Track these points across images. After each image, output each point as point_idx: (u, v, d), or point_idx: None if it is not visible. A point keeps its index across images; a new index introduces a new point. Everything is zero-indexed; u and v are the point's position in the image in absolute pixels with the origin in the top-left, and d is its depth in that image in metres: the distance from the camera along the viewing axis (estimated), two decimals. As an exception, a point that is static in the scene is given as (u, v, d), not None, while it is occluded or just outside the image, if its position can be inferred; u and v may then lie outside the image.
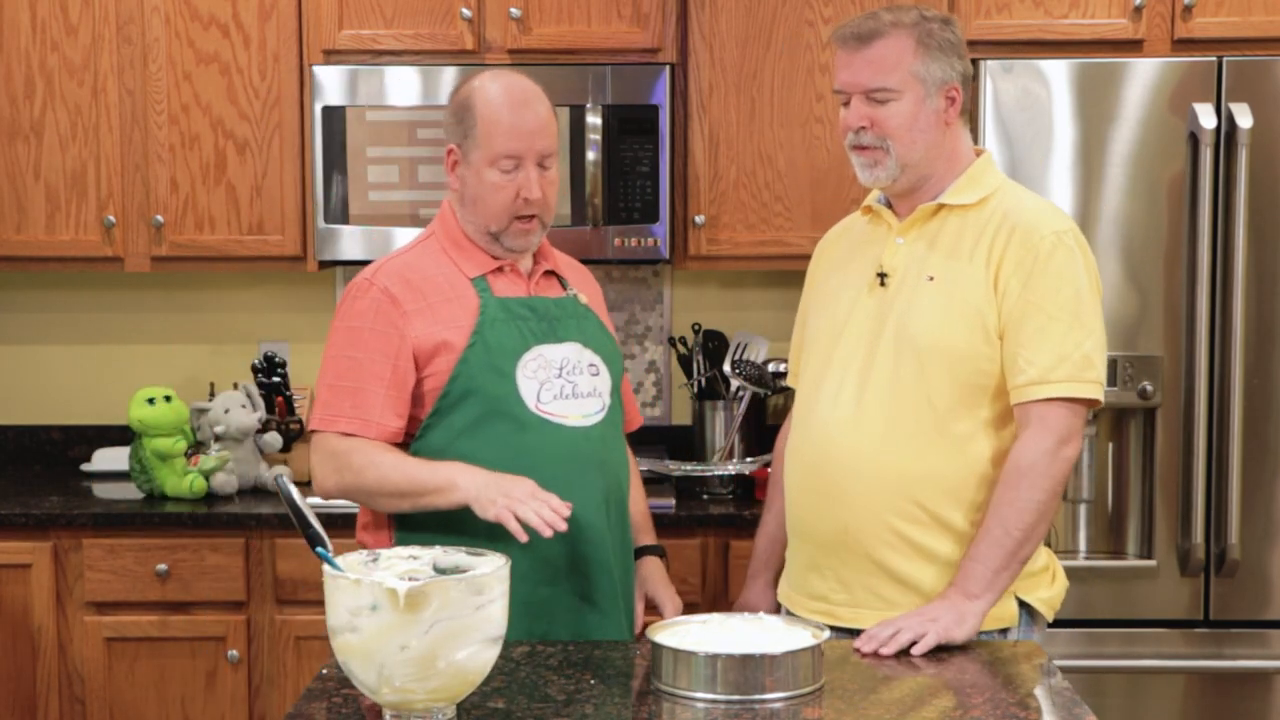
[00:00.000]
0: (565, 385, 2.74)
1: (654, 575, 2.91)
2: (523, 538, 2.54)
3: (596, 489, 2.73)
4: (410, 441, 2.74)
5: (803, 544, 2.76)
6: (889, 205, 2.78)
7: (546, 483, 2.62)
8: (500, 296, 2.75)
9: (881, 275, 2.70)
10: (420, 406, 2.73)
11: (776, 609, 2.86)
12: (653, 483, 3.84)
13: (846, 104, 2.70)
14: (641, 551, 2.92)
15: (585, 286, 2.92)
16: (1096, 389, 2.61)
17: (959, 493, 2.63)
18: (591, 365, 2.79)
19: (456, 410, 2.70)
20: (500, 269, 2.78)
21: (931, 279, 2.65)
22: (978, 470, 2.63)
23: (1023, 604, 2.67)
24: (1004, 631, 2.65)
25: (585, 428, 2.74)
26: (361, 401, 2.69)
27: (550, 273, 2.86)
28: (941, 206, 2.70)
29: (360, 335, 2.72)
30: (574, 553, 2.70)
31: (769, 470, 3.03)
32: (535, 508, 2.54)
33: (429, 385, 2.72)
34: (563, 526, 2.54)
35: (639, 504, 2.97)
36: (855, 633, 2.58)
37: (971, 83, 2.73)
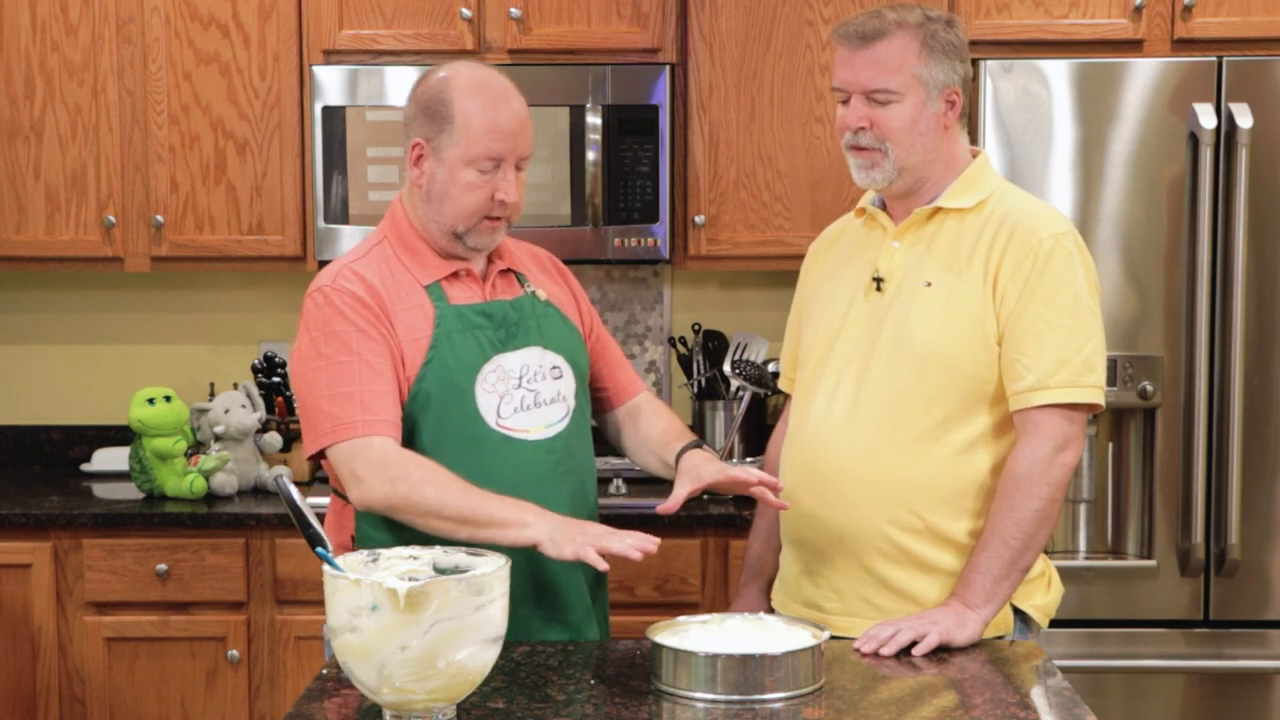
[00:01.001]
0: (526, 395, 2.64)
1: (702, 465, 2.69)
2: (603, 566, 2.44)
3: (561, 504, 2.62)
4: None
5: (797, 551, 2.74)
6: (883, 207, 2.75)
7: None
8: (456, 305, 2.63)
9: (878, 280, 2.67)
10: None
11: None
12: (653, 483, 3.83)
13: (845, 102, 2.65)
14: (680, 455, 2.75)
15: (545, 277, 2.80)
16: (1096, 394, 2.57)
17: (957, 502, 2.60)
18: (554, 368, 2.69)
19: (415, 428, 2.59)
20: (455, 274, 2.66)
21: (929, 285, 2.61)
22: (976, 480, 2.60)
23: (1018, 611, 2.66)
24: (999, 639, 2.62)
25: (548, 440, 2.66)
26: (369, 402, 2.53)
27: (506, 270, 2.73)
28: (938, 210, 2.66)
29: (345, 338, 2.57)
30: (540, 571, 2.61)
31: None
32: (620, 537, 2.44)
33: None
34: (652, 547, 2.43)
35: (671, 420, 2.84)
36: (849, 641, 2.55)
37: (970, 84, 2.72)
